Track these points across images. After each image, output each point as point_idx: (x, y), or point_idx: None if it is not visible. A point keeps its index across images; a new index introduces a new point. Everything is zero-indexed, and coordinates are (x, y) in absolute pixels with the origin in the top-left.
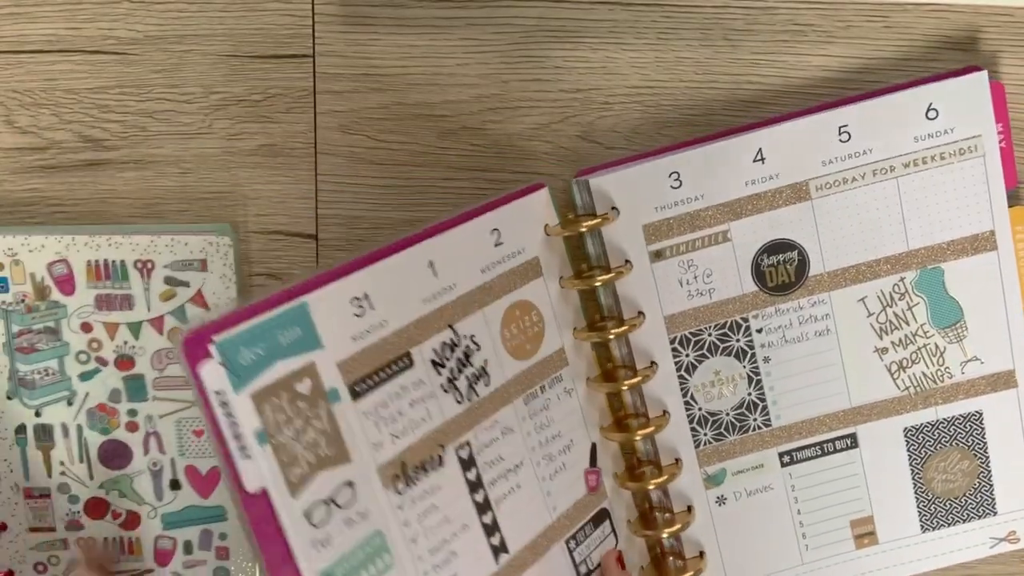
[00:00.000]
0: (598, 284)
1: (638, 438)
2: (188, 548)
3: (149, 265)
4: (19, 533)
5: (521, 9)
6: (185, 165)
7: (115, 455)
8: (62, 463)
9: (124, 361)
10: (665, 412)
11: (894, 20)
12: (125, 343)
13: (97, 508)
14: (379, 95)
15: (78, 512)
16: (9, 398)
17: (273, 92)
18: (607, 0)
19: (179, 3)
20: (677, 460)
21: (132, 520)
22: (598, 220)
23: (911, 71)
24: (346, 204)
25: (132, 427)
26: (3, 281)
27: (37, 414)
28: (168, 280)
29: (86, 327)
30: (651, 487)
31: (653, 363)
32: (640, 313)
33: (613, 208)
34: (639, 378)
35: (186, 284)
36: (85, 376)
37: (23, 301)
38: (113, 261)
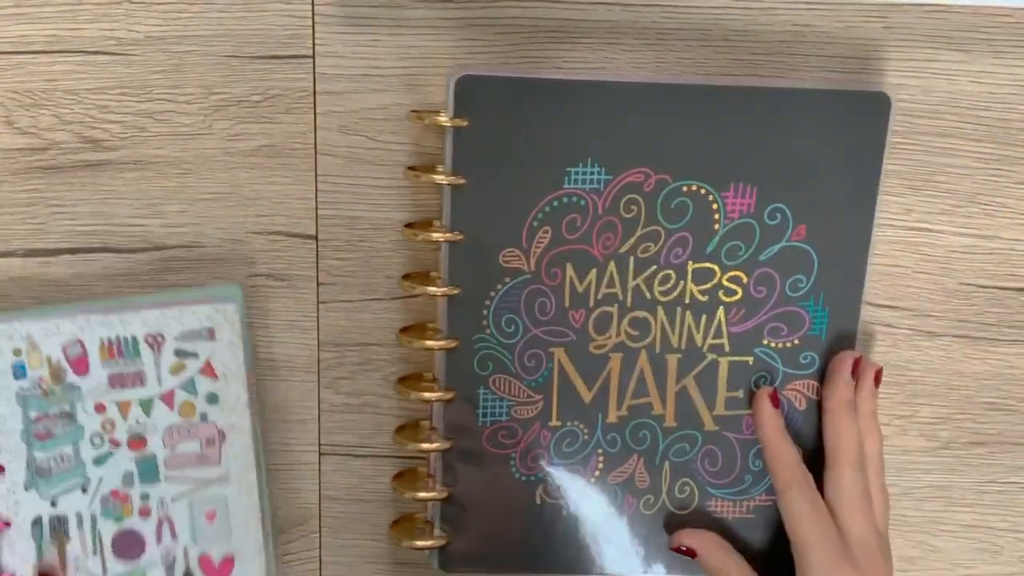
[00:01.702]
0: None
1: None
2: None
3: (160, 339)
4: None
5: (521, 9)
6: (185, 165)
7: (129, 545)
8: (77, 558)
9: (136, 441)
10: None
11: (894, 20)
12: (137, 421)
13: None
14: (379, 95)
15: None
16: (26, 489)
17: (273, 93)
18: (607, 0)
19: (179, 3)
20: None
21: None
22: None
23: (911, 71)
24: (346, 204)
25: (145, 512)
26: (21, 367)
27: (53, 504)
28: (178, 352)
29: (100, 407)
30: None
31: None
32: None
33: None
34: None
35: (195, 355)
36: (99, 460)
37: (40, 386)
38: (125, 338)
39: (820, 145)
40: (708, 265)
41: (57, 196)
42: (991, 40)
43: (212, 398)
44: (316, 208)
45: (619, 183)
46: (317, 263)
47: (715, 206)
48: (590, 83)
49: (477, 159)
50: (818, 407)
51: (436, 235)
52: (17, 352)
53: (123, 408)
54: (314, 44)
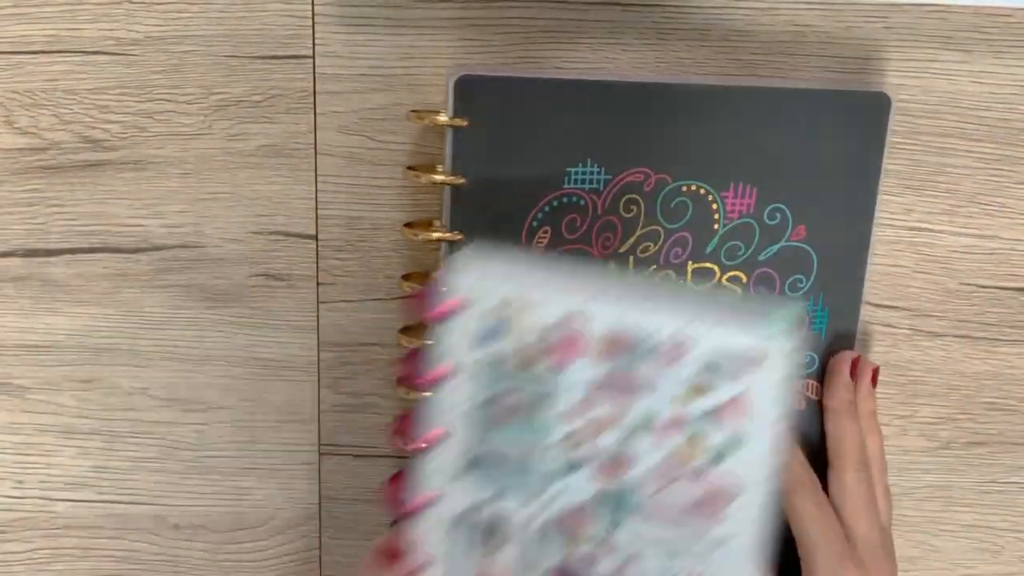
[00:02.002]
0: None
1: None
2: None
3: (683, 348)
4: None
5: (521, 9)
6: (185, 165)
7: None
8: (500, 570)
9: (612, 464)
10: None
11: (894, 20)
12: (622, 441)
13: None
14: (379, 95)
15: None
16: (463, 472)
17: (273, 92)
18: (607, 0)
19: (179, 3)
20: None
21: None
22: None
23: (911, 71)
24: (346, 204)
25: (593, 559)
26: (495, 333)
27: (488, 497)
28: (703, 371)
29: (580, 407)
30: None
31: None
32: None
33: None
34: None
35: (730, 380)
36: (558, 472)
37: (510, 360)
38: (638, 333)
39: (820, 145)
40: (708, 265)
41: (57, 196)
42: (991, 40)
43: (733, 442)
44: (316, 208)
45: (619, 183)
46: (317, 263)
47: (715, 206)
48: (590, 83)
49: (477, 159)
50: (818, 407)
51: (436, 235)
52: (502, 308)
53: (608, 421)
54: (314, 44)
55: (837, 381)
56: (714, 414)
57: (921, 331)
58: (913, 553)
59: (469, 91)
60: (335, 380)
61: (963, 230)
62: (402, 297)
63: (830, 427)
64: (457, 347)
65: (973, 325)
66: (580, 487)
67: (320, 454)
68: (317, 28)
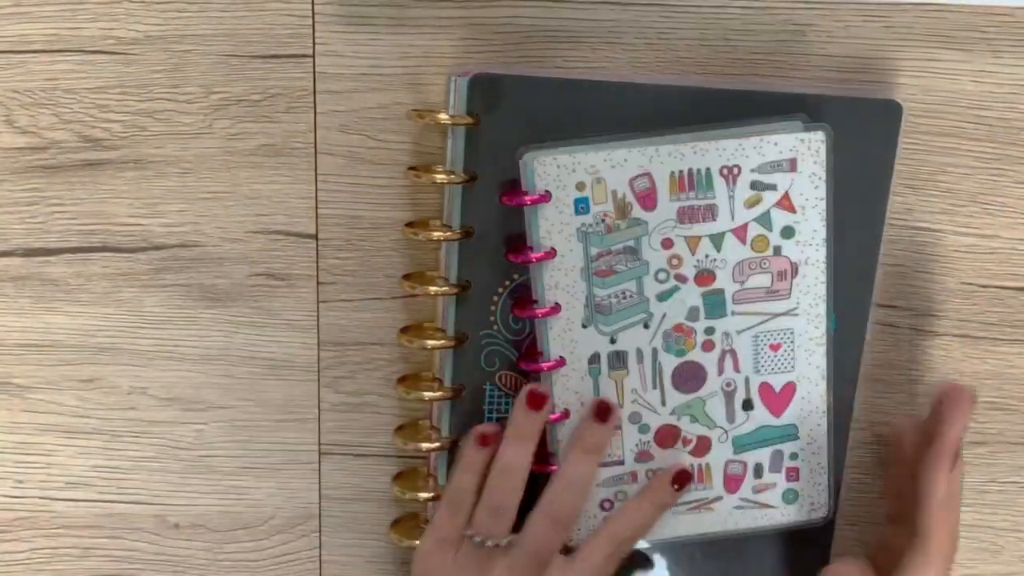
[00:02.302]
0: None
1: None
2: (758, 471)
3: (736, 171)
4: None
5: (521, 9)
6: (185, 165)
7: (689, 377)
8: (634, 391)
9: (704, 276)
10: None
11: (894, 20)
12: (706, 256)
13: (668, 436)
14: (379, 95)
15: (648, 442)
16: (584, 326)
17: (273, 92)
18: (607, 0)
19: (179, 3)
20: None
21: (702, 446)
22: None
23: (911, 71)
24: (346, 204)
25: (708, 346)
26: (584, 202)
27: (612, 341)
28: (754, 184)
29: (666, 243)
30: None
31: None
32: None
33: None
34: None
35: (773, 187)
36: (663, 296)
37: (603, 221)
38: (698, 170)
39: (835, 154)
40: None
41: (57, 196)
42: (991, 40)
43: (787, 232)
44: (316, 208)
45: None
46: (317, 263)
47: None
48: (597, 83)
49: (482, 157)
50: None
51: (436, 234)
52: (581, 186)
53: (692, 243)
54: (314, 44)
55: (943, 464)
56: (768, 216)
57: (921, 331)
58: None
59: (477, 89)
60: (335, 380)
61: (963, 230)
62: (402, 296)
63: (931, 510)
64: (550, 230)
65: (974, 325)
66: (684, 299)
67: (320, 454)
68: (317, 28)
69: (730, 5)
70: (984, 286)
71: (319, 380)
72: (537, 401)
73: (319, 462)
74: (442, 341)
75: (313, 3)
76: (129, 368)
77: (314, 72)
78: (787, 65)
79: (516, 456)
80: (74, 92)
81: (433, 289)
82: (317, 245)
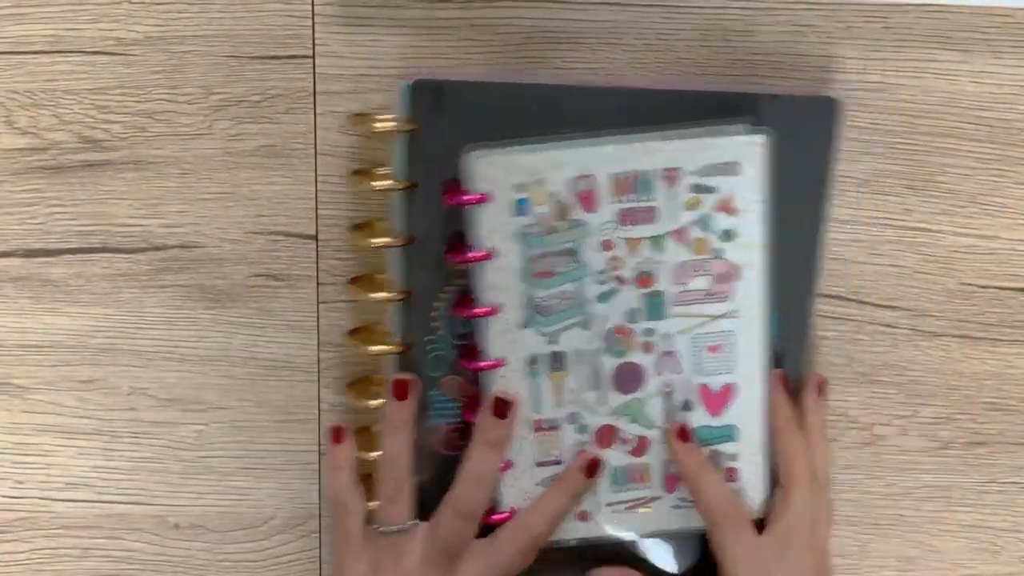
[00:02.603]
0: None
1: None
2: None
3: (677, 173)
4: (525, 469)
5: (521, 10)
6: (185, 165)
7: (629, 378)
8: (573, 391)
9: (644, 278)
10: None
11: (894, 20)
12: (647, 258)
13: (607, 436)
14: (379, 95)
15: (587, 442)
16: (523, 327)
17: (273, 92)
18: (607, 1)
19: (179, 3)
20: None
21: (641, 446)
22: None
23: (911, 71)
24: (346, 205)
25: (647, 348)
26: (524, 203)
27: (551, 342)
28: (695, 187)
29: (607, 245)
30: None
31: None
32: None
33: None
34: None
35: (714, 190)
36: (603, 297)
37: (543, 223)
38: (639, 172)
39: (773, 153)
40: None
41: (57, 196)
42: (991, 40)
43: (728, 235)
44: (316, 208)
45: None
46: (317, 263)
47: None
48: (540, 86)
49: (426, 162)
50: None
51: (376, 240)
52: (521, 188)
53: (632, 245)
54: (314, 44)
55: (773, 400)
56: (708, 218)
57: (921, 331)
58: (912, 553)
59: (422, 94)
60: (335, 380)
61: (963, 230)
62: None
63: (775, 446)
64: (490, 232)
65: (973, 325)
66: (624, 302)
67: (320, 454)
68: (317, 28)
69: (730, 6)
70: (984, 286)
71: (319, 380)
72: (501, 408)
73: (319, 462)
74: (386, 347)
75: (313, 3)
76: (129, 369)
77: (314, 73)
78: (787, 65)
79: (483, 462)
80: (74, 93)
81: (373, 295)
82: (317, 246)
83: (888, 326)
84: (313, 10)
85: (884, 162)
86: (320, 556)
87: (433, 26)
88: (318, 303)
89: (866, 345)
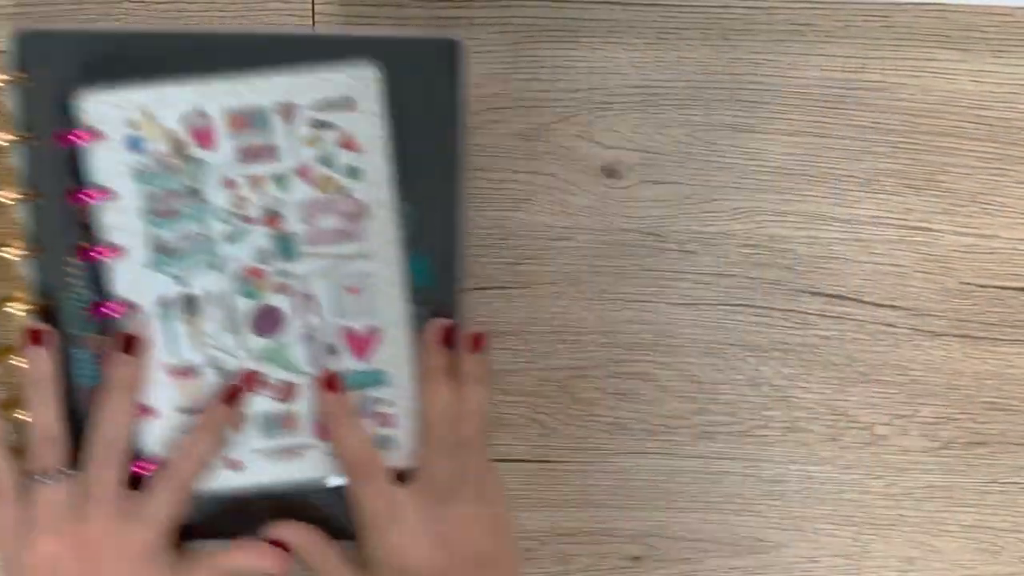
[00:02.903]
0: None
1: None
2: None
3: (292, 109)
4: (168, 417)
5: (521, 9)
6: None
7: (267, 322)
8: (211, 336)
9: (272, 218)
10: None
11: (894, 20)
12: (272, 197)
13: (250, 381)
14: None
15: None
16: (151, 269)
17: None
18: (606, 0)
19: (179, 3)
20: None
21: (288, 392)
22: None
23: (911, 70)
24: None
25: (283, 289)
26: (137, 141)
27: (182, 284)
28: (313, 123)
29: (229, 184)
30: None
31: None
32: None
33: None
34: None
35: (332, 126)
36: (231, 238)
37: (160, 161)
38: (253, 108)
39: (398, 97)
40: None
41: None
42: (991, 39)
43: (352, 172)
44: None
45: None
46: None
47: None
48: (150, 33)
49: (40, 113)
50: None
51: (4, 197)
52: (133, 124)
53: (256, 184)
54: None
55: (423, 347)
56: (330, 155)
57: (922, 331)
58: (913, 553)
59: (32, 48)
60: None
61: (963, 230)
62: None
63: (420, 396)
64: (105, 171)
65: (974, 325)
66: (253, 243)
67: None
68: (317, 28)
69: (730, 5)
70: (984, 286)
71: None
72: (128, 345)
73: None
74: (22, 305)
75: (313, 3)
76: None
77: None
78: (787, 64)
79: (117, 404)
80: None
81: (7, 252)
82: None
83: (888, 325)
84: (313, 10)
85: (884, 161)
86: None
87: (433, 25)
88: None
89: (866, 344)
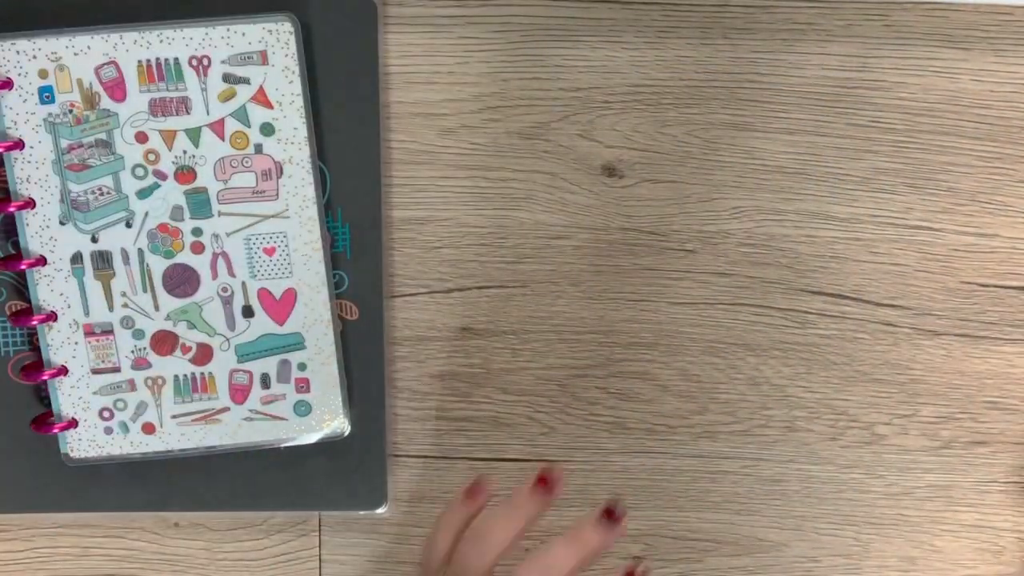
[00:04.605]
0: None
1: None
2: (265, 382)
3: (206, 61)
4: (81, 377)
5: (521, 8)
6: None
7: (181, 281)
8: (124, 293)
9: (185, 173)
10: None
11: (894, 19)
12: (184, 152)
13: (165, 342)
14: (379, 95)
15: (144, 348)
16: (62, 223)
17: None
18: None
19: None
20: None
21: (203, 354)
22: None
23: (911, 69)
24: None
25: (197, 248)
26: (48, 91)
27: (94, 239)
28: (227, 77)
29: (141, 137)
30: None
31: None
32: None
33: None
34: None
35: (246, 81)
36: (143, 193)
37: (71, 112)
38: (166, 59)
39: (313, 57)
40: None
41: None
42: (991, 38)
43: (267, 129)
44: None
45: None
46: None
47: None
48: None
49: None
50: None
51: None
52: (43, 73)
53: (168, 138)
54: None
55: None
56: (244, 110)
57: (922, 330)
58: (914, 553)
59: None
60: None
61: (964, 228)
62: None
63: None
64: (18, 120)
65: (974, 324)
66: (166, 197)
67: None
68: None
69: (730, 4)
70: (984, 286)
71: None
72: (545, 483)
73: None
74: None
75: None
76: None
77: None
78: (787, 63)
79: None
80: None
81: None
82: None
83: (889, 325)
84: None
85: (885, 160)
86: (320, 556)
87: (433, 24)
88: None
89: (867, 344)
